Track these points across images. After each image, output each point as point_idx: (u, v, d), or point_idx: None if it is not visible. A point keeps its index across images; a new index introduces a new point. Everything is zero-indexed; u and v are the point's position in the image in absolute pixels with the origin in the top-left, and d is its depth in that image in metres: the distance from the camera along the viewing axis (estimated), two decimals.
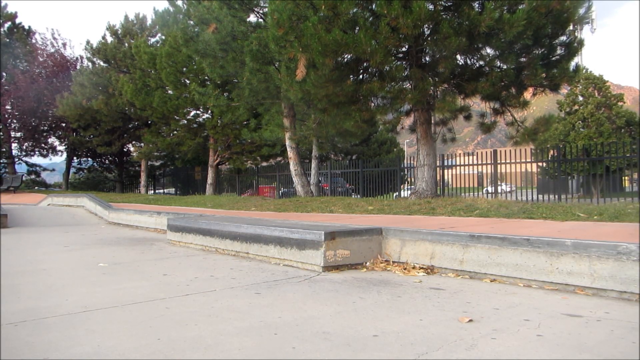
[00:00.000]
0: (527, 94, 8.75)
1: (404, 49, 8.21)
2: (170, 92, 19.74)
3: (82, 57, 27.90)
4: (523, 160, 12.78)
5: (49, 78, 26.31)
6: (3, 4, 26.77)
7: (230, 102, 15.36)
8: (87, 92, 23.08)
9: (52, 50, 27.48)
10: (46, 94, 24.81)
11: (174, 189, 27.96)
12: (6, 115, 25.24)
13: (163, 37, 21.61)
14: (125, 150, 29.52)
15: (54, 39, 30.37)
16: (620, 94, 26.72)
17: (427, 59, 8.26)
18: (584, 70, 25.78)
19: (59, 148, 29.52)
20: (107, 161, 32.13)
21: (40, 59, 26.97)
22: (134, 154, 27.59)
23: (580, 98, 25.78)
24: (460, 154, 15.31)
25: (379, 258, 3.70)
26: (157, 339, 1.97)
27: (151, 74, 20.40)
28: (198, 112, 21.51)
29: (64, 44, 28.37)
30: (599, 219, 4.69)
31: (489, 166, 13.51)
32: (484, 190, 17.61)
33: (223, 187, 24.58)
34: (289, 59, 8.11)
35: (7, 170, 27.08)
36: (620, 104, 25.70)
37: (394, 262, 3.62)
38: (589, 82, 25.72)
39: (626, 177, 21.83)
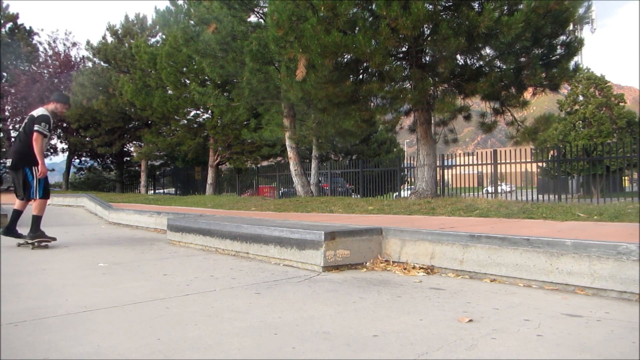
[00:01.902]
0: (527, 94, 8.75)
1: (403, 50, 8.21)
2: (170, 92, 19.76)
3: (84, 58, 28.00)
4: (523, 160, 12.78)
5: (50, 78, 26.35)
6: (5, 4, 26.80)
7: (230, 102, 15.36)
8: (87, 92, 23.09)
9: (62, 48, 27.60)
10: (47, 95, 24.83)
11: (174, 189, 27.97)
12: (7, 114, 25.25)
13: (163, 37, 21.63)
14: (125, 150, 29.53)
15: (67, 39, 30.62)
16: (621, 94, 26.71)
17: (427, 59, 8.26)
18: (586, 70, 25.76)
19: (59, 148, 29.56)
20: (107, 161, 32.16)
21: (41, 59, 27.01)
22: (134, 154, 27.60)
23: (581, 98, 25.78)
24: (460, 154, 15.31)
25: (379, 258, 3.70)
26: (157, 339, 1.97)
27: (151, 74, 20.41)
28: (198, 112, 21.53)
29: (74, 44, 28.63)
30: (599, 219, 4.69)
31: (489, 166, 13.51)
32: (484, 190, 17.61)
33: (223, 187, 24.60)
34: (288, 60, 8.10)
35: (7, 170, 27.09)
36: (621, 104, 25.69)
37: (394, 262, 3.62)
38: (591, 82, 25.71)
39: (626, 177, 21.83)
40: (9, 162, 5.16)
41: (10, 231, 5.18)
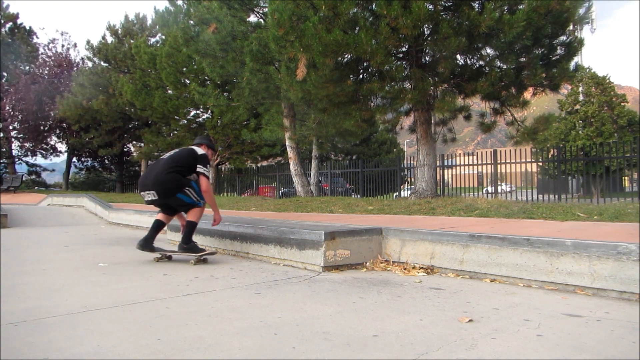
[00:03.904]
0: (527, 94, 8.74)
1: (404, 49, 8.21)
2: (170, 92, 19.76)
3: (83, 59, 28.03)
4: (523, 160, 12.78)
5: (50, 78, 26.37)
6: (5, 4, 26.81)
7: (230, 102, 15.36)
8: (87, 93, 23.10)
9: (61, 50, 27.63)
10: (46, 100, 24.84)
11: None
12: (6, 115, 25.27)
13: (163, 37, 21.63)
14: (125, 150, 29.56)
15: (65, 39, 30.84)
16: (622, 94, 26.70)
17: (427, 59, 8.25)
18: (588, 70, 25.73)
19: (59, 148, 29.62)
20: (107, 161, 32.18)
21: (41, 60, 27.04)
22: (134, 154, 27.61)
23: (581, 97, 25.76)
24: (460, 154, 15.31)
25: (379, 258, 3.70)
26: (157, 339, 1.97)
27: (151, 74, 20.42)
28: (198, 112, 21.53)
29: (74, 45, 28.74)
30: (599, 219, 4.69)
31: (489, 166, 13.51)
32: (484, 190, 17.60)
33: (223, 187, 24.58)
34: (289, 59, 8.10)
35: (7, 170, 27.10)
36: (623, 104, 25.67)
37: (394, 262, 3.61)
38: (593, 81, 25.68)
39: (626, 177, 21.81)
40: (148, 195, 4.17)
41: (148, 245, 4.27)
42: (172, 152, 4.40)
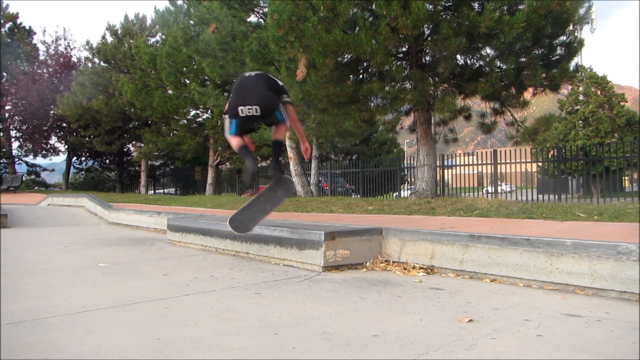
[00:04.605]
0: (527, 94, 8.74)
1: (404, 49, 8.21)
2: (170, 92, 19.75)
3: (82, 60, 28.01)
4: (523, 160, 12.78)
5: (50, 77, 26.36)
6: (4, 4, 26.81)
7: None
8: (87, 92, 23.11)
9: (62, 49, 27.63)
10: (47, 94, 24.85)
11: (174, 189, 27.98)
12: (6, 115, 25.27)
13: (163, 37, 21.64)
14: (125, 150, 29.55)
15: (65, 38, 30.88)
16: (621, 93, 26.71)
17: (427, 59, 8.25)
18: (588, 69, 25.75)
19: (59, 148, 29.60)
20: (107, 161, 32.17)
21: (42, 59, 27.05)
22: (134, 154, 27.62)
23: (581, 97, 25.77)
24: (460, 154, 15.31)
25: (379, 258, 3.70)
26: (157, 339, 1.97)
27: (151, 74, 20.42)
28: (198, 112, 21.54)
29: (70, 44, 28.72)
30: (599, 219, 4.69)
31: (489, 166, 13.52)
32: (484, 190, 17.60)
33: (223, 187, 24.59)
34: (289, 59, 8.09)
35: (7, 170, 27.10)
36: (622, 103, 25.68)
37: (394, 262, 3.61)
38: (592, 81, 25.69)
39: (626, 177, 21.82)
40: (250, 110, 3.93)
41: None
42: (252, 74, 4.22)
